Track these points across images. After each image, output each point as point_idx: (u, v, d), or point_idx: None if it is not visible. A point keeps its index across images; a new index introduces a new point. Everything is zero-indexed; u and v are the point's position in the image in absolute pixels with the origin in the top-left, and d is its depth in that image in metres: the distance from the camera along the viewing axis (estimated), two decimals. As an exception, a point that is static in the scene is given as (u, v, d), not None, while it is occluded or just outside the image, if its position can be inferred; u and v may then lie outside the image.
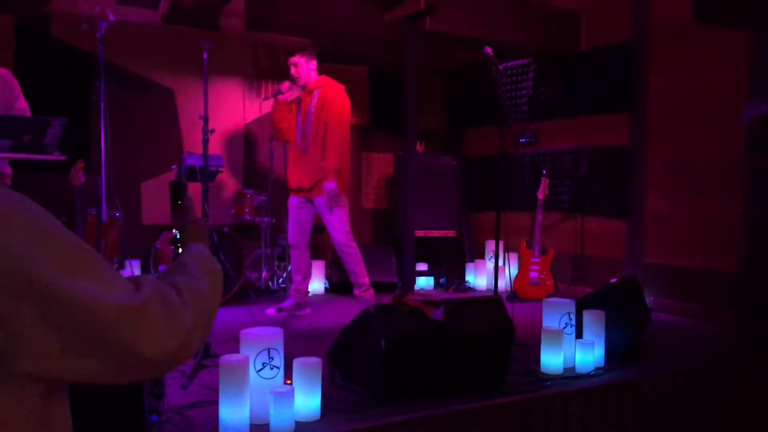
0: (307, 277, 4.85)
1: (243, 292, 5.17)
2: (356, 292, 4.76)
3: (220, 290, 1.24)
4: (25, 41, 5.11)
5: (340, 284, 5.86)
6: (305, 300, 4.85)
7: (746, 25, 4.28)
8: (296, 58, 4.59)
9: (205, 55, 3.46)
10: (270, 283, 5.77)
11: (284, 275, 5.86)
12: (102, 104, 3.22)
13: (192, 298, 1.11)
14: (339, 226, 4.62)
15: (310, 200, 4.69)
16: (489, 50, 3.89)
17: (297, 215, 4.74)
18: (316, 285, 5.78)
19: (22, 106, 3.96)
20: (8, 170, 3.89)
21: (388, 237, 6.76)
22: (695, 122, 4.94)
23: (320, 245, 6.45)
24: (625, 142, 5.46)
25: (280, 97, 4.66)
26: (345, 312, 4.95)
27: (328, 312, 5.02)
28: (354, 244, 4.70)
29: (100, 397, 2.12)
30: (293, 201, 4.74)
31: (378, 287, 5.82)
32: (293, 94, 4.72)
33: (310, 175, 4.58)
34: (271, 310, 4.77)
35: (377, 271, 5.98)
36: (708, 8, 3.65)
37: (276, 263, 5.88)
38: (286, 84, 4.66)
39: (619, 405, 3.19)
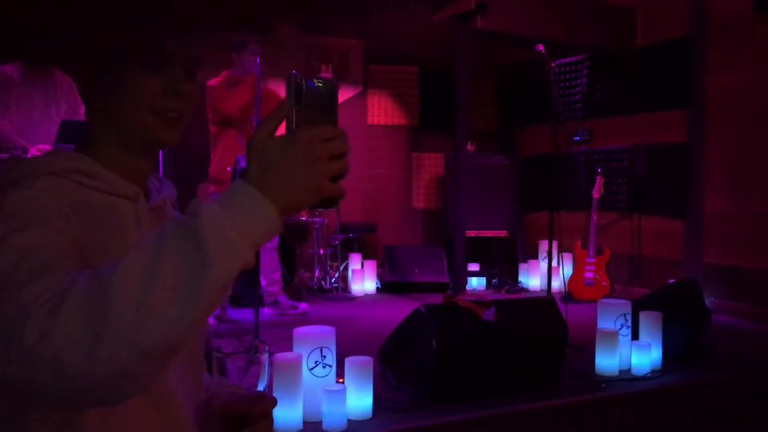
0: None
1: (297, 292, 5.25)
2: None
3: (191, 309, 0.76)
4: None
5: (392, 284, 5.89)
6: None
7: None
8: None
9: (257, 60, 3.53)
10: (323, 282, 5.83)
11: (336, 275, 5.91)
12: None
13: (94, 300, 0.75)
14: None
15: None
16: (541, 48, 3.86)
17: None
18: (368, 285, 5.82)
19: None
20: (72, 174, 4.03)
21: (440, 237, 6.75)
22: (755, 119, 4.78)
23: (372, 245, 6.50)
24: (683, 139, 5.32)
25: None
26: (396, 311, 4.99)
27: (380, 311, 5.05)
28: None
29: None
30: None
31: (429, 287, 5.85)
32: None
33: None
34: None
35: (428, 271, 5.99)
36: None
37: (329, 263, 5.94)
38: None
39: (676, 408, 3.12)
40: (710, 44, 5.11)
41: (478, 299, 2.92)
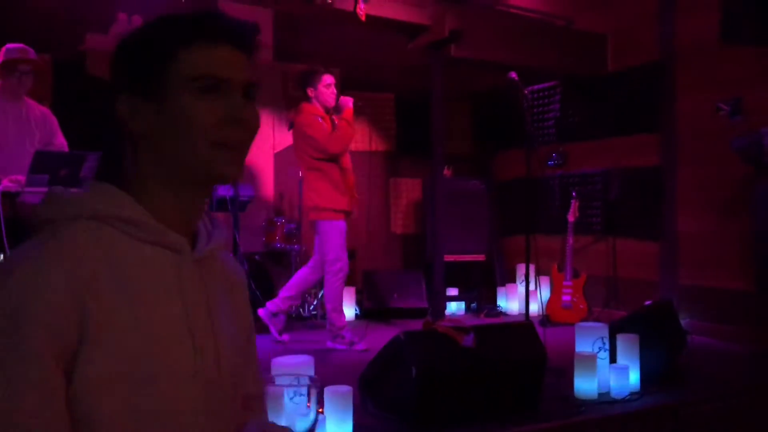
0: None
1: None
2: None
3: None
4: (62, 78, 5.27)
5: (372, 310, 5.87)
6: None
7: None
8: (333, 79, 4.62)
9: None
10: (301, 309, 5.80)
11: (315, 302, 5.88)
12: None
13: None
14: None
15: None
16: (514, 75, 3.92)
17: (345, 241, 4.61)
18: (347, 311, 5.78)
19: (60, 142, 4.08)
20: (46, 204, 3.99)
21: (418, 262, 6.76)
22: (726, 141, 4.88)
23: (350, 271, 6.46)
24: (656, 162, 5.42)
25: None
26: (376, 338, 4.97)
27: (359, 338, 5.02)
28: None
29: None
30: (344, 226, 4.57)
31: (408, 313, 5.84)
32: None
33: (354, 199, 4.63)
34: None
35: (407, 297, 5.99)
36: (735, 28, 3.63)
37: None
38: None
39: (657, 430, 3.13)
40: (681, 68, 5.23)
41: (457, 325, 2.93)
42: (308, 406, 2.49)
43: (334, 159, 4.48)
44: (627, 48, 5.68)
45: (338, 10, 4.48)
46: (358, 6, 4.42)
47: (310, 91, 4.56)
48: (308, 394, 1.18)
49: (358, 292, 6.04)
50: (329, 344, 4.55)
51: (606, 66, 5.82)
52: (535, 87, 6.38)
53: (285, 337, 4.66)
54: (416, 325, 4.44)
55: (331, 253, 4.46)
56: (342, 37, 6.37)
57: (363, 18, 4.47)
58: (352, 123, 4.57)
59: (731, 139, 4.32)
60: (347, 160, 4.61)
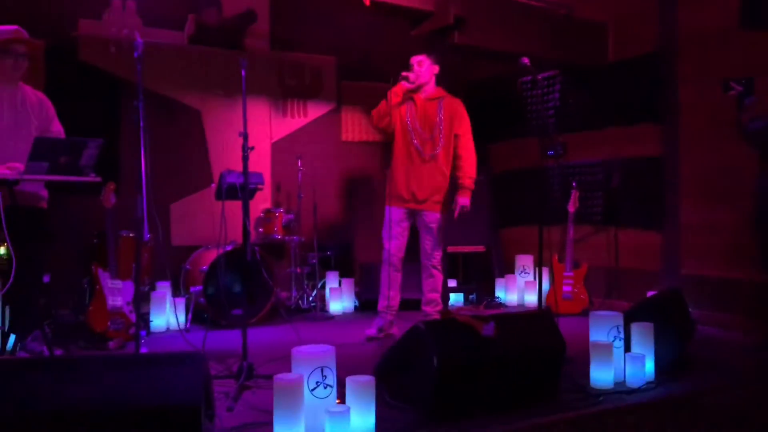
0: (398, 294, 4.66)
1: (274, 311, 5.13)
2: (428, 309, 4.58)
3: None
4: (55, 65, 5.13)
5: (371, 302, 5.78)
6: (394, 318, 4.65)
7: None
8: (421, 57, 4.50)
9: (243, 73, 3.44)
10: (300, 301, 5.72)
11: (314, 294, 5.81)
12: (141, 123, 3.19)
13: None
14: (440, 245, 4.56)
15: (415, 213, 4.52)
16: (526, 60, 3.85)
17: (400, 229, 4.54)
18: (346, 303, 5.72)
19: (57, 129, 3.95)
20: (44, 193, 3.87)
21: (417, 254, 6.68)
22: (729, 130, 4.86)
23: (349, 263, 6.40)
24: (657, 152, 5.40)
25: (405, 83, 4.48)
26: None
27: (359, 330, 4.96)
28: (441, 266, 4.64)
29: (157, 419, 2.07)
30: (397, 213, 4.52)
31: (407, 305, 5.77)
32: (412, 87, 4.53)
33: (430, 187, 4.46)
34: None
35: (406, 289, 5.89)
36: (755, 13, 3.58)
37: (306, 282, 5.83)
38: (413, 74, 4.47)
39: (675, 419, 3.10)
40: (682, 58, 5.20)
41: (476, 314, 2.87)
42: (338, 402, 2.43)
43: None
44: (628, 37, 5.65)
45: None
46: (364, -9, 4.33)
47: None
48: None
49: (356, 284, 5.97)
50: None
51: (607, 55, 5.78)
52: (536, 77, 6.32)
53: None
54: (415, 316, 4.41)
55: None
56: (339, 25, 6.29)
57: (367, 2, 4.38)
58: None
59: (745, 122, 4.23)
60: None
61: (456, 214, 4.46)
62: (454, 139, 4.52)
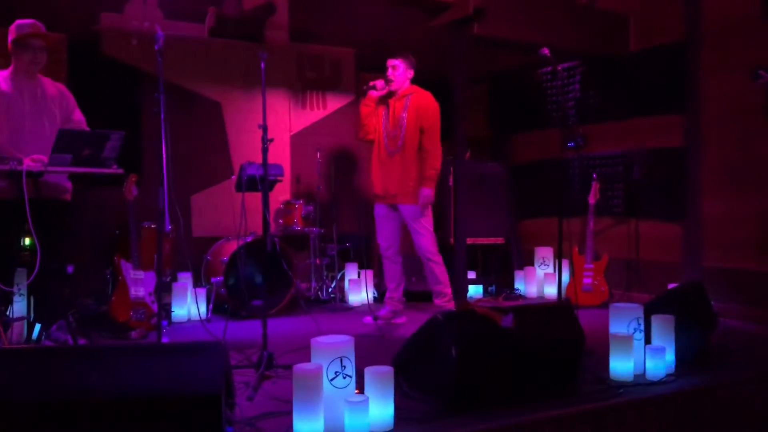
0: (400, 285, 4.81)
1: (293, 302, 5.16)
2: (437, 301, 4.66)
3: None
4: (77, 58, 5.19)
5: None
6: (400, 308, 4.81)
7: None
8: (397, 61, 4.62)
9: (262, 65, 3.45)
10: (320, 293, 5.75)
11: (333, 285, 5.83)
12: (162, 115, 3.22)
13: None
14: (427, 233, 4.60)
15: (394, 207, 4.66)
16: (546, 51, 3.83)
17: (386, 224, 4.71)
18: (365, 294, 5.74)
19: (79, 119, 4.00)
20: (68, 185, 3.93)
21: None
22: (754, 119, 4.80)
23: (368, 255, 6.42)
24: (679, 143, 5.34)
25: (373, 93, 4.64)
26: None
27: (380, 321, 4.98)
28: (439, 258, 4.65)
29: (178, 408, 2.10)
30: (379, 209, 4.73)
31: (426, 296, 5.78)
32: (382, 94, 4.68)
33: (397, 181, 4.57)
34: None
35: (425, 280, 5.92)
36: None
37: (325, 273, 5.86)
38: (381, 82, 4.62)
39: (695, 412, 3.08)
40: (707, 47, 5.13)
41: (494, 305, 2.87)
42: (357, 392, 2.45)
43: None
44: (650, 27, 5.58)
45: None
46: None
47: None
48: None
49: (376, 276, 5.99)
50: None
51: (628, 45, 5.72)
52: (558, 67, 6.28)
53: (404, 318, 4.85)
54: (434, 308, 4.44)
55: None
56: (358, 17, 6.28)
57: (389, -7, 4.38)
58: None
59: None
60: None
61: (419, 204, 4.52)
62: (420, 133, 4.54)
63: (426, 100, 4.59)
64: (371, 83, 4.62)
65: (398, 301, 4.78)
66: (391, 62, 4.63)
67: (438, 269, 4.62)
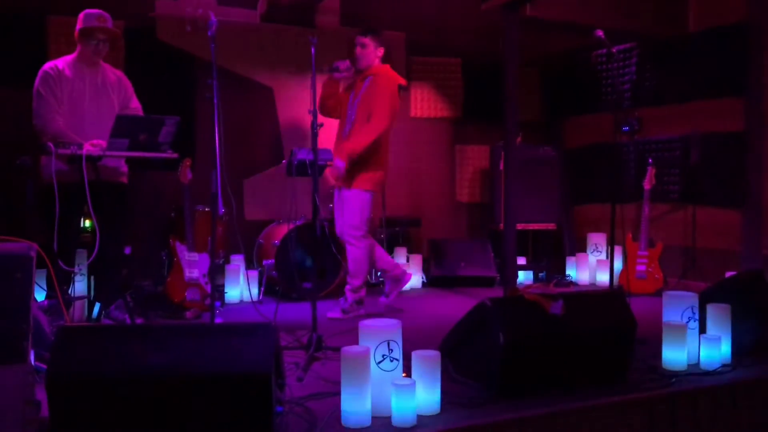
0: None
1: (342, 285, 5.20)
2: (346, 288, 4.52)
3: None
4: (133, 44, 5.31)
5: (439, 278, 5.82)
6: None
7: None
8: (366, 39, 4.44)
9: (312, 50, 3.48)
10: (369, 277, 5.78)
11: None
12: (215, 100, 3.28)
13: None
14: (348, 216, 4.41)
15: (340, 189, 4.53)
16: (600, 33, 3.75)
17: (338, 205, 4.56)
18: (414, 279, 5.76)
19: (135, 106, 4.11)
20: (125, 168, 4.04)
21: (484, 231, 6.66)
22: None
23: (416, 239, 6.43)
24: (740, 127, 5.16)
25: (336, 74, 4.46)
26: (444, 305, 4.93)
27: (427, 305, 5.00)
28: (358, 242, 4.42)
29: (230, 386, 2.16)
30: (335, 190, 4.64)
31: (476, 281, 5.78)
32: (348, 75, 4.50)
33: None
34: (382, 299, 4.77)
35: (474, 265, 5.91)
36: None
37: (374, 258, 5.87)
38: (346, 63, 4.40)
39: (750, 404, 3.01)
40: (769, 28, 4.93)
41: (544, 292, 2.84)
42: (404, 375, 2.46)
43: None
44: (711, 7, 5.40)
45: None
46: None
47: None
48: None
49: (424, 261, 6.00)
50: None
51: (687, 26, 5.55)
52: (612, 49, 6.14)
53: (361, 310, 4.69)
54: (484, 293, 4.41)
55: None
56: (409, 0, 6.25)
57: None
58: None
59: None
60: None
61: (326, 171, 4.45)
62: (367, 119, 4.35)
63: (380, 80, 4.37)
64: (335, 64, 4.38)
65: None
66: (359, 40, 4.43)
67: (352, 252, 4.45)
